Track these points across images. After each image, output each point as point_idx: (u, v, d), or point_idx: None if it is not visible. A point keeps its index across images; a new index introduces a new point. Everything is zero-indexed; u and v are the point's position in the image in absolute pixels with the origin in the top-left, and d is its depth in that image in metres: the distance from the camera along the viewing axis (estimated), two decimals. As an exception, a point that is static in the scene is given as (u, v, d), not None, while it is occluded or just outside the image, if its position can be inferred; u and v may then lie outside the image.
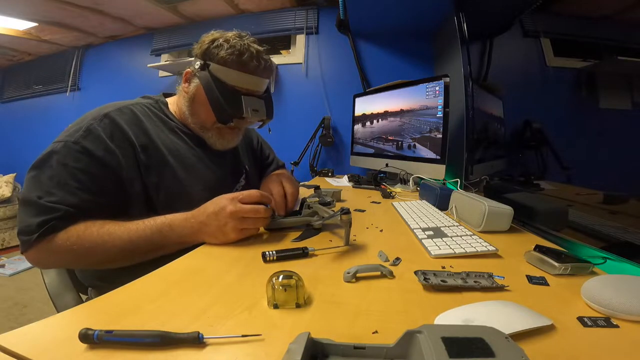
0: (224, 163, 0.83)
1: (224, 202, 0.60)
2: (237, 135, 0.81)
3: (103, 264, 0.60)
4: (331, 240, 0.65)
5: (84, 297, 0.72)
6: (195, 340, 0.31)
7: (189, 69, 0.74)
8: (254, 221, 0.62)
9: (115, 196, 0.62)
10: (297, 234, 0.69)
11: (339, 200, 1.10)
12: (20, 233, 0.56)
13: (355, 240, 0.65)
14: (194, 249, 0.58)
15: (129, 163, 0.63)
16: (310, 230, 0.69)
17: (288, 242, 0.64)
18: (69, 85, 2.86)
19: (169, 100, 0.80)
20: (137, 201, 0.65)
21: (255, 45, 0.73)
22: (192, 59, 0.74)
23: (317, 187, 1.06)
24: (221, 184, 0.78)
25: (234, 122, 0.75)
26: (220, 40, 0.70)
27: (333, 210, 0.64)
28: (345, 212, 0.59)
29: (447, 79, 1.24)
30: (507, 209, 0.72)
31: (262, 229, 0.69)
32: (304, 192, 1.11)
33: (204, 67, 0.70)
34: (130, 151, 0.64)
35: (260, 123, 0.82)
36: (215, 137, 0.77)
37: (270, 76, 0.78)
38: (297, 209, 0.78)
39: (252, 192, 0.62)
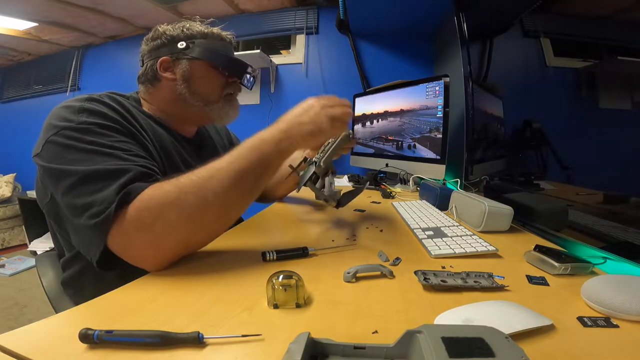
0: (202, 160, 0.79)
1: (307, 99, 0.60)
2: (238, 104, 0.80)
3: (218, 210, 0.50)
4: (333, 240, 0.65)
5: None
6: (195, 340, 0.31)
7: (165, 57, 0.69)
8: (340, 108, 0.61)
9: (154, 164, 0.57)
10: (289, 232, 0.68)
11: (339, 200, 1.10)
12: (92, 217, 0.44)
13: (355, 240, 0.66)
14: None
15: (136, 137, 0.58)
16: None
17: (286, 242, 0.64)
18: (69, 85, 2.86)
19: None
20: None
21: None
22: (160, 50, 0.70)
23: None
24: None
25: (238, 80, 0.76)
26: (184, 23, 0.71)
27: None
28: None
29: (447, 79, 1.24)
30: (507, 209, 0.72)
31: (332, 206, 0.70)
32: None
33: (188, 46, 0.70)
34: (131, 127, 0.59)
35: (253, 79, 0.81)
36: (226, 107, 0.75)
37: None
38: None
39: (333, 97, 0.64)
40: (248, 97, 2.34)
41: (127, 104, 0.64)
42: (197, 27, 0.72)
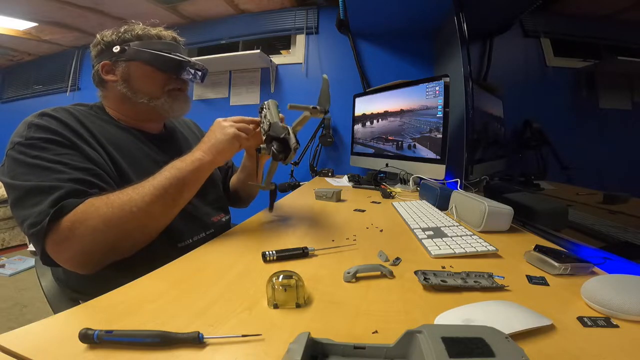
0: (173, 155, 0.78)
1: (216, 120, 0.70)
2: (187, 98, 0.82)
3: (140, 225, 0.57)
4: (333, 240, 0.65)
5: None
6: (195, 340, 0.31)
7: (105, 62, 0.73)
8: (242, 123, 0.70)
9: (98, 173, 0.60)
10: (287, 232, 0.69)
11: (339, 200, 1.10)
12: (30, 227, 0.51)
13: (355, 240, 0.66)
14: (192, 249, 0.58)
15: (79, 149, 0.61)
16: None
17: (286, 242, 0.64)
18: (69, 85, 2.86)
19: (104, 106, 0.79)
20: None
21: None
22: (100, 56, 0.74)
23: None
24: None
25: (182, 75, 0.77)
26: (125, 27, 0.74)
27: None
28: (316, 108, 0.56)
29: (447, 79, 1.24)
30: (507, 209, 0.72)
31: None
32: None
33: (124, 49, 0.72)
34: (76, 139, 0.62)
35: (201, 73, 0.82)
36: (169, 102, 0.77)
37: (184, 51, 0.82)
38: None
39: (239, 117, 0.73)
40: (248, 97, 2.34)
41: (81, 115, 0.68)
42: (134, 29, 0.74)
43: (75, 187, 0.54)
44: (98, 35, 0.75)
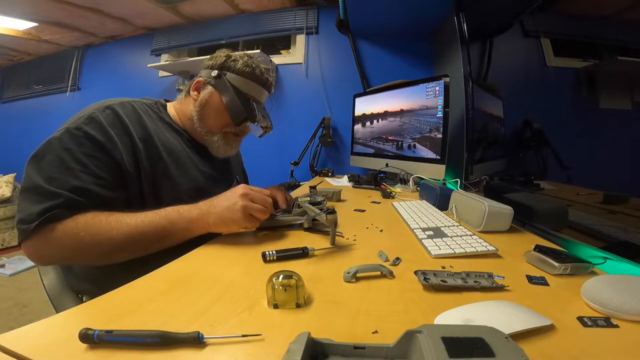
0: (216, 170, 0.86)
1: (238, 189, 0.64)
2: (238, 143, 0.88)
3: (106, 255, 0.58)
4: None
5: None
6: (195, 340, 0.31)
7: (200, 78, 0.80)
8: (258, 215, 0.63)
9: (116, 185, 0.63)
10: (289, 233, 0.69)
11: (339, 200, 1.10)
12: (19, 222, 0.55)
13: (355, 240, 0.66)
14: (194, 248, 0.58)
15: (127, 153, 0.64)
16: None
17: (286, 242, 0.64)
18: (69, 85, 2.87)
19: (168, 104, 0.85)
20: (134, 195, 0.66)
21: (263, 65, 0.85)
22: (204, 70, 0.82)
23: (312, 187, 1.08)
24: (210, 188, 0.78)
25: (245, 125, 0.82)
26: (235, 55, 0.81)
27: (322, 210, 0.64)
28: (330, 211, 0.60)
29: (447, 79, 1.24)
30: (507, 209, 0.72)
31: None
32: (301, 191, 1.12)
33: (219, 76, 0.79)
34: (129, 142, 0.66)
35: (262, 131, 0.89)
36: (221, 141, 0.82)
37: (272, 92, 0.89)
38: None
39: (264, 191, 0.67)
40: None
41: (144, 111, 0.73)
42: (238, 63, 0.79)
43: (74, 198, 0.56)
44: (218, 50, 0.82)
